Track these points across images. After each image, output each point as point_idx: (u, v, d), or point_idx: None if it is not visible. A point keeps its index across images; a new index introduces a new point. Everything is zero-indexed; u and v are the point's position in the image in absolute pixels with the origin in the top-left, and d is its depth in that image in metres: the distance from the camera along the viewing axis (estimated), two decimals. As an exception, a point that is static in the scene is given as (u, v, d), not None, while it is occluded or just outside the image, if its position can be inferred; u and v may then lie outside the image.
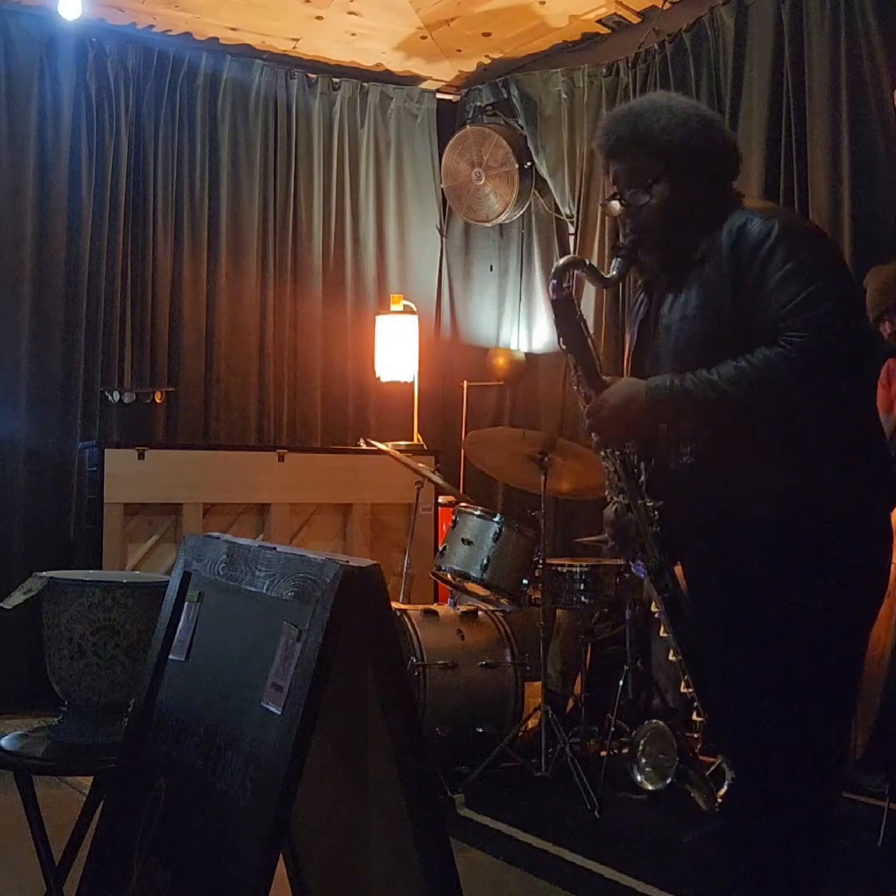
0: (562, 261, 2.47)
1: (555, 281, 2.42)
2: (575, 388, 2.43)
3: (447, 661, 4.37)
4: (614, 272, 2.45)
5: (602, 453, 2.43)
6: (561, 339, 2.46)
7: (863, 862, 3.49)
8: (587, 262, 2.54)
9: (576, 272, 2.49)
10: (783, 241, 2.19)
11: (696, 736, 2.46)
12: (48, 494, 5.66)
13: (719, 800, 2.40)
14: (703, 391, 2.18)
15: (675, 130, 2.34)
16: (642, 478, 2.40)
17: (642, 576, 2.43)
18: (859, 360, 2.24)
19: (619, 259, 2.44)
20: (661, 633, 2.42)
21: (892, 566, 3.54)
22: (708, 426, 2.25)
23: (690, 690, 2.38)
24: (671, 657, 2.42)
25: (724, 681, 2.32)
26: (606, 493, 2.48)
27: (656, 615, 2.45)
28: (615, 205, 2.42)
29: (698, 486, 2.31)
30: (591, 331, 2.47)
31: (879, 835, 3.61)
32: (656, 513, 2.38)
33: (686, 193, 2.36)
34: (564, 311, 2.43)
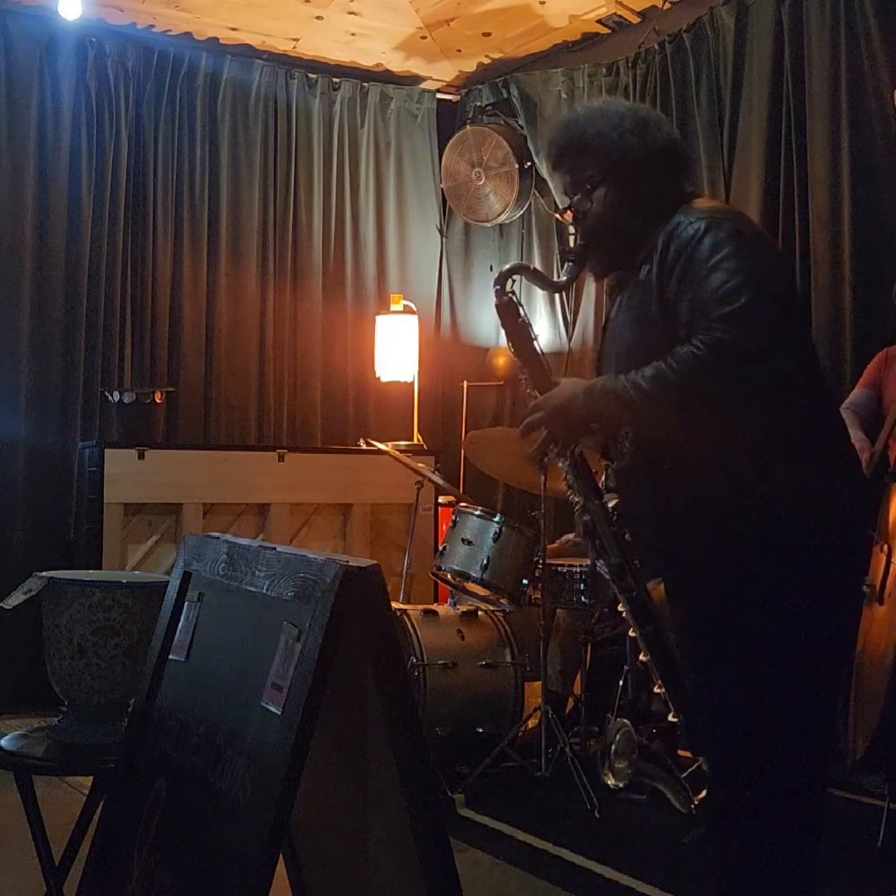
0: (505, 267, 2.52)
1: (497, 287, 2.47)
2: (526, 391, 2.45)
3: (447, 661, 4.37)
4: (564, 277, 2.50)
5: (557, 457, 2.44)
6: (509, 343, 2.49)
7: (863, 862, 3.49)
8: (531, 267, 2.60)
9: (520, 278, 2.52)
10: (707, 239, 2.18)
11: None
12: (48, 494, 5.66)
13: (695, 803, 2.39)
14: (627, 392, 2.18)
15: (609, 134, 2.36)
16: (603, 478, 2.41)
17: (606, 574, 2.44)
18: (794, 351, 2.18)
19: (569, 263, 2.47)
20: (630, 633, 2.42)
21: (894, 566, 3.55)
22: (637, 427, 2.24)
23: (663, 691, 2.37)
24: (641, 657, 2.41)
25: (699, 683, 2.29)
26: (567, 493, 2.48)
27: (623, 615, 2.44)
28: (567, 214, 2.46)
29: (642, 487, 2.31)
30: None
31: (879, 835, 3.61)
32: (615, 513, 2.38)
33: (626, 195, 2.37)
34: (509, 316, 2.47)
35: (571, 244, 2.51)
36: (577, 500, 2.44)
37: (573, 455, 2.41)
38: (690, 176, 2.46)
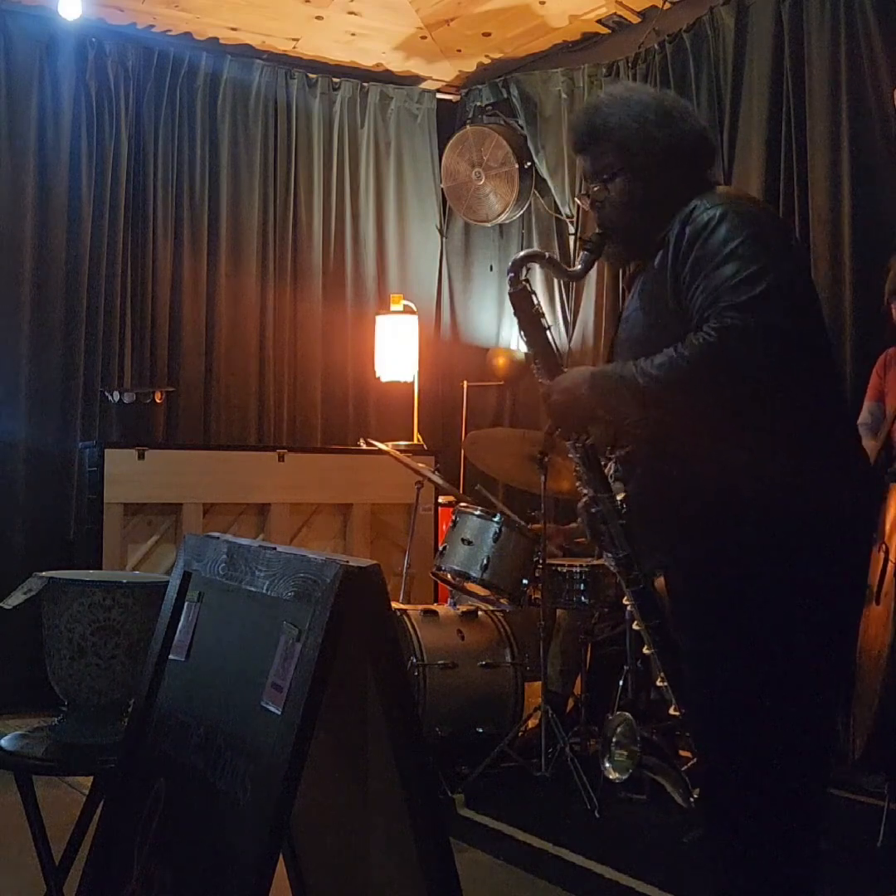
0: (520, 254, 2.51)
1: (511, 275, 2.46)
2: (537, 380, 2.45)
3: (447, 661, 4.37)
4: (579, 266, 2.47)
5: (568, 444, 2.43)
6: (521, 331, 2.49)
7: (863, 862, 3.49)
8: (547, 255, 2.57)
9: (536, 265, 2.53)
10: (723, 226, 2.15)
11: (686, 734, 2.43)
12: (48, 494, 5.66)
13: (694, 797, 2.39)
14: (635, 378, 2.17)
15: (631, 124, 2.32)
16: (610, 470, 2.40)
17: (613, 567, 2.43)
18: (806, 344, 2.15)
19: (585, 252, 2.45)
20: (634, 627, 2.41)
21: (891, 565, 3.55)
22: (644, 415, 2.22)
23: (665, 684, 2.36)
24: (645, 650, 2.40)
25: (698, 682, 2.29)
26: (576, 485, 2.47)
27: (628, 608, 2.44)
28: (585, 200, 2.44)
29: (644, 480, 2.30)
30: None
31: (879, 835, 3.61)
32: (624, 505, 2.37)
33: (646, 186, 2.33)
34: (522, 304, 2.47)
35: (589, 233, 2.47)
36: (586, 491, 2.43)
37: (584, 446, 2.40)
38: (714, 167, 2.43)
